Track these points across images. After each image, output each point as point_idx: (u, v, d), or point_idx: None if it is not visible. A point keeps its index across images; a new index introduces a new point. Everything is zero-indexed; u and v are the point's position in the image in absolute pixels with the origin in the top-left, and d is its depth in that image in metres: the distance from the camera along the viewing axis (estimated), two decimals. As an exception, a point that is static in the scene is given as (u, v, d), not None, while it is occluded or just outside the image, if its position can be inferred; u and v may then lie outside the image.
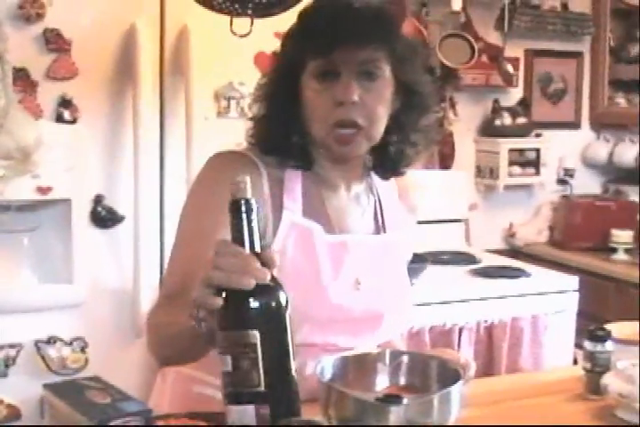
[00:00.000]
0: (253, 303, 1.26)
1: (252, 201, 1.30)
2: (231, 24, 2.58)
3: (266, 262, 1.29)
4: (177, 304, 1.55)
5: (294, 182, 1.81)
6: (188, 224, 1.76)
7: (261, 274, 1.26)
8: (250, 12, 2.40)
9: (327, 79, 1.75)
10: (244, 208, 1.29)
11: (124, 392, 1.28)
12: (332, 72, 1.74)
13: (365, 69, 1.75)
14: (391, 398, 1.48)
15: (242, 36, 2.65)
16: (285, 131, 1.81)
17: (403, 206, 2.03)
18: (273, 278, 1.30)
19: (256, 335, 1.26)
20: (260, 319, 1.27)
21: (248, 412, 1.27)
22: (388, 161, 1.90)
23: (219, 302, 1.25)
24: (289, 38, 1.84)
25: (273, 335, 1.29)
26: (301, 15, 1.83)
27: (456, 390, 1.52)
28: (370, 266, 1.87)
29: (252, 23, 2.62)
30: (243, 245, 1.28)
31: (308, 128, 1.79)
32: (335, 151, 1.79)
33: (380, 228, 1.94)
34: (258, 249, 1.30)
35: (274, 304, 1.29)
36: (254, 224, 1.30)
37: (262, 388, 1.27)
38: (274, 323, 1.29)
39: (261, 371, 1.27)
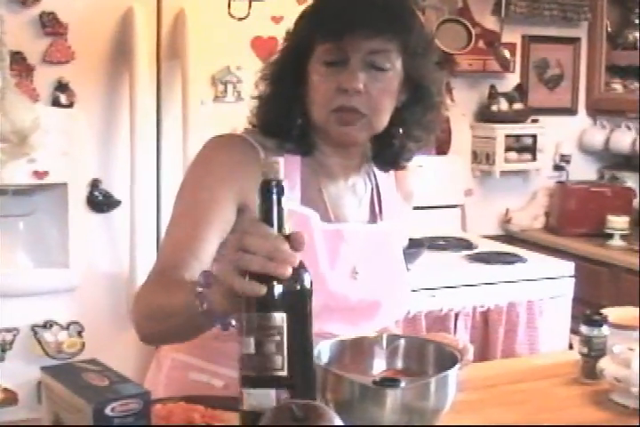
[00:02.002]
0: (281, 286, 1.24)
1: (284, 183, 1.28)
2: (229, 7, 2.58)
3: (294, 245, 1.26)
4: (170, 281, 1.55)
5: (293, 169, 1.79)
6: (184, 202, 1.76)
7: (293, 259, 1.24)
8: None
9: (334, 65, 1.73)
10: (275, 189, 1.27)
11: (122, 375, 1.28)
12: (340, 58, 1.72)
13: (374, 59, 1.72)
14: (388, 382, 1.48)
15: (240, 19, 2.65)
16: (288, 112, 1.79)
17: (399, 194, 2.01)
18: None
19: (283, 318, 1.25)
20: (287, 302, 1.26)
21: (269, 396, 1.25)
22: (389, 154, 1.88)
23: (263, 289, 1.22)
24: (301, 19, 1.82)
25: (298, 318, 1.28)
26: None
27: (453, 373, 1.52)
28: (366, 255, 1.87)
29: (249, 6, 2.61)
30: (271, 226, 1.26)
31: (310, 111, 1.77)
32: (334, 133, 1.77)
33: (376, 216, 1.93)
34: (287, 231, 1.27)
35: (300, 287, 1.27)
36: (283, 206, 1.27)
37: (285, 372, 1.26)
38: (300, 306, 1.28)
39: (285, 355, 1.26)
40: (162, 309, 1.52)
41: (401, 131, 1.83)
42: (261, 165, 1.29)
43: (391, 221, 1.95)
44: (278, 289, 1.24)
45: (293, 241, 1.26)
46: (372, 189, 1.94)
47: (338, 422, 1.17)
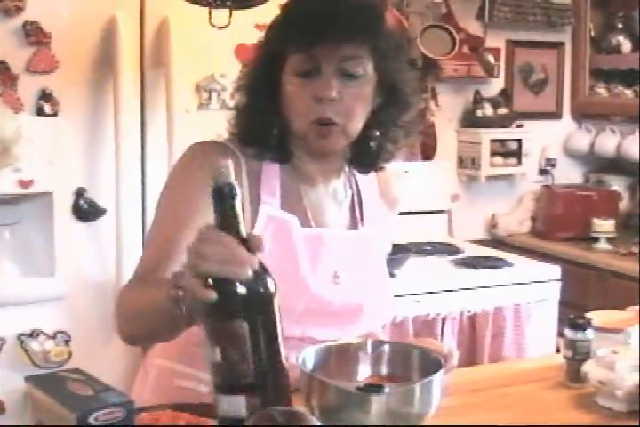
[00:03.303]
0: (242, 292, 1.24)
1: (235, 185, 1.27)
2: (210, 16, 2.58)
3: (252, 248, 1.27)
4: (148, 284, 1.56)
5: (272, 176, 1.81)
6: (164, 207, 1.77)
7: (251, 261, 1.25)
8: (229, 3, 2.40)
9: (308, 75, 1.74)
10: (227, 193, 1.26)
11: (106, 384, 1.28)
12: (313, 68, 1.73)
13: (347, 66, 1.73)
14: (373, 388, 1.48)
15: (221, 28, 2.65)
16: (265, 122, 1.80)
17: (383, 201, 2.03)
18: (259, 264, 1.28)
19: (245, 326, 1.25)
20: (249, 308, 1.26)
21: (239, 402, 1.26)
22: (366, 155, 1.89)
23: (213, 295, 1.22)
24: (271, 30, 1.83)
25: (263, 324, 1.27)
26: (284, 7, 1.82)
27: (437, 379, 1.53)
28: (347, 260, 1.88)
29: (230, 15, 2.62)
30: (227, 230, 1.26)
31: (287, 121, 1.78)
32: (313, 144, 1.78)
33: (357, 222, 1.94)
34: (244, 234, 1.28)
35: (262, 291, 1.27)
36: (238, 209, 1.27)
37: (253, 379, 1.26)
38: (263, 311, 1.28)
39: (251, 362, 1.26)
40: (142, 311, 1.53)
41: (377, 133, 1.85)
42: (212, 170, 1.29)
43: (373, 227, 1.96)
44: (240, 295, 1.24)
45: (251, 243, 1.27)
46: (353, 195, 1.95)
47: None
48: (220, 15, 2.65)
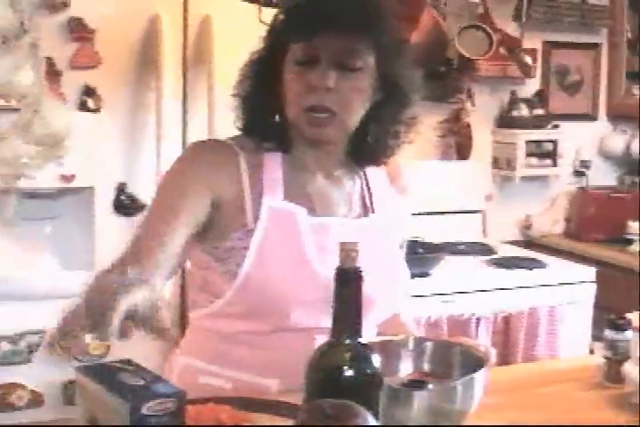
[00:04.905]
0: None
1: (361, 271, 1.25)
2: (260, 13, 2.60)
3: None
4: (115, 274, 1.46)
5: (274, 167, 1.83)
6: (157, 199, 1.79)
7: None
8: (275, 0, 2.41)
9: (307, 64, 1.75)
10: (352, 277, 1.25)
11: (156, 374, 1.29)
12: (312, 58, 1.75)
13: (345, 58, 1.75)
14: (416, 384, 1.50)
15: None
16: (265, 111, 1.83)
17: (393, 189, 2.01)
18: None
19: None
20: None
21: None
22: (364, 150, 1.90)
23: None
24: (276, 20, 1.86)
25: None
26: None
27: (480, 376, 1.54)
28: None
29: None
30: (343, 313, 1.26)
31: (285, 110, 1.81)
32: (307, 133, 1.80)
33: (367, 210, 1.93)
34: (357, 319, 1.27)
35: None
36: (359, 295, 1.25)
37: None
38: None
39: None
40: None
41: (374, 128, 1.86)
42: (339, 249, 1.27)
43: (384, 215, 1.95)
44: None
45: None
46: (362, 185, 1.95)
47: (372, 421, 1.18)
48: (269, 13, 2.66)
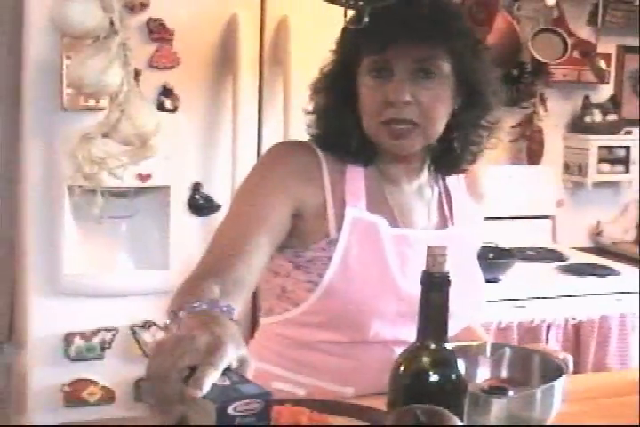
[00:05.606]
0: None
1: (449, 277, 1.25)
2: (345, 15, 2.59)
3: None
4: (203, 287, 1.50)
5: (357, 178, 1.80)
6: (240, 204, 1.77)
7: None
8: (361, 3, 2.40)
9: (381, 76, 1.72)
10: (439, 283, 1.25)
11: (242, 375, 1.29)
12: (386, 70, 1.72)
13: (421, 67, 1.71)
14: (496, 390, 1.49)
15: (356, 29, 2.66)
16: (342, 126, 1.79)
17: (470, 194, 1.98)
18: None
19: None
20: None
21: None
22: (449, 158, 1.86)
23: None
24: (345, 32, 1.82)
25: None
26: None
27: (559, 384, 1.52)
28: None
29: (366, 15, 2.62)
30: (430, 318, 1.26)
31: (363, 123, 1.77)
32: (388, 145, 1.76)
33: (446, 220, 1.91)
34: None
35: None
36: (446, 301, 1.25)
37: None
38: None
39: None
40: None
41: (457, 135, 1.81)
42: (427, 254, 1.27)
43: (463, 225, 1.92)
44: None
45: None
46: (441, 193, 1.92)
47: (462, 427, 1.18)
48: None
